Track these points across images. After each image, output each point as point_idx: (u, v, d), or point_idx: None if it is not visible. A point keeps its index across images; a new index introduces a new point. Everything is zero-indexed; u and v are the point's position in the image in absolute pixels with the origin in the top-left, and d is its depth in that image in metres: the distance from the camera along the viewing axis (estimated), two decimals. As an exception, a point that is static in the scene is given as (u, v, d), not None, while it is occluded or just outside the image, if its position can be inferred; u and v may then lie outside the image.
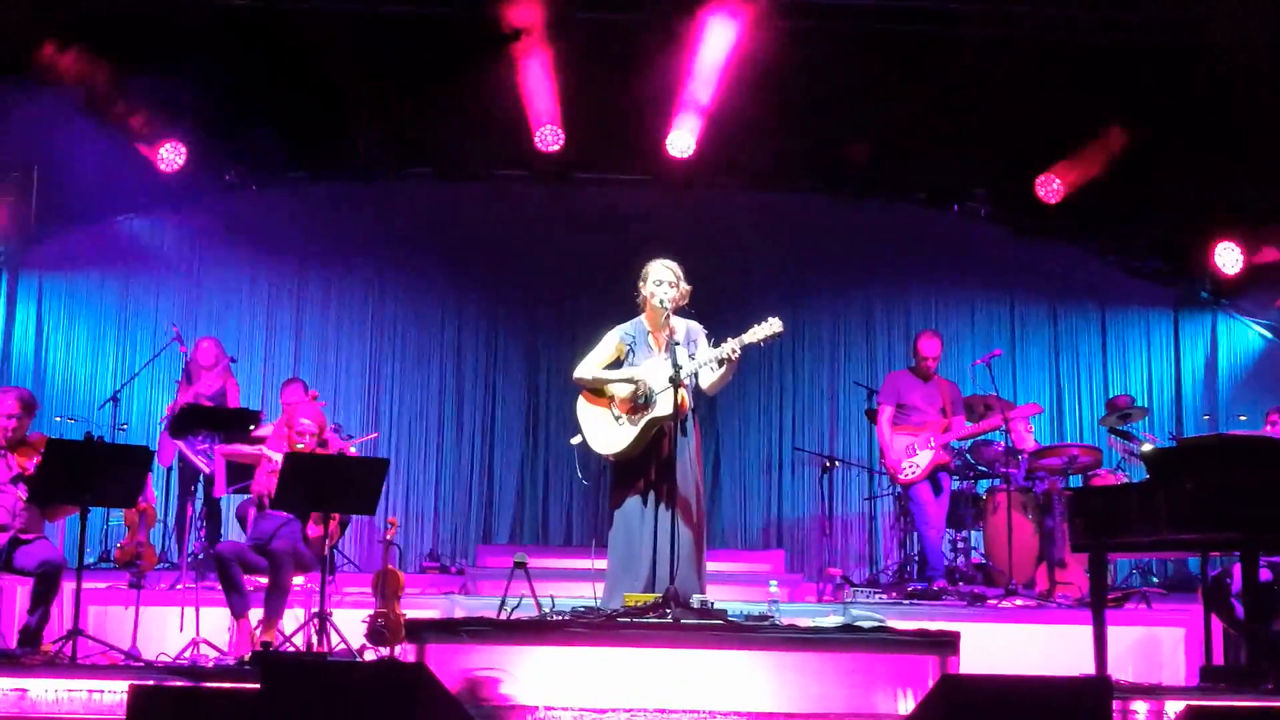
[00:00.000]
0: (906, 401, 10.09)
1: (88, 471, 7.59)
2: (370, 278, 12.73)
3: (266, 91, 11.11)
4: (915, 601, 9.41)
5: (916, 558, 10.26)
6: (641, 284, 7.84)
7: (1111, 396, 11.31)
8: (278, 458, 8.23)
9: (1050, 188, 12.08)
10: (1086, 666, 7.22)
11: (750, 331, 7.48)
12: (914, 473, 9.92)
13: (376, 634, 8.23)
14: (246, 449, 8.93)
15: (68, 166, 11.10)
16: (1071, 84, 11.02)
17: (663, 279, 7.74)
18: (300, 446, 8.35)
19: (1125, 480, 10.35)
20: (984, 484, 10.88)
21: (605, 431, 7.67)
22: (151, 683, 6.32)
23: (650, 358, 7.69)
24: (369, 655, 8.01)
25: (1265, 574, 7.50)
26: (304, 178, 12.69)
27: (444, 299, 12.81)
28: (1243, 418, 9.81)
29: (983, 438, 10.64)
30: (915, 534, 10.22)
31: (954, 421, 10.04)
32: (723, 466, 12.64)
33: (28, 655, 7.32)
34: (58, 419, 11.06)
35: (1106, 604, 7.49)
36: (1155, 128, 11.16)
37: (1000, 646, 8.21)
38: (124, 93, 10.97)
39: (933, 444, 9.90)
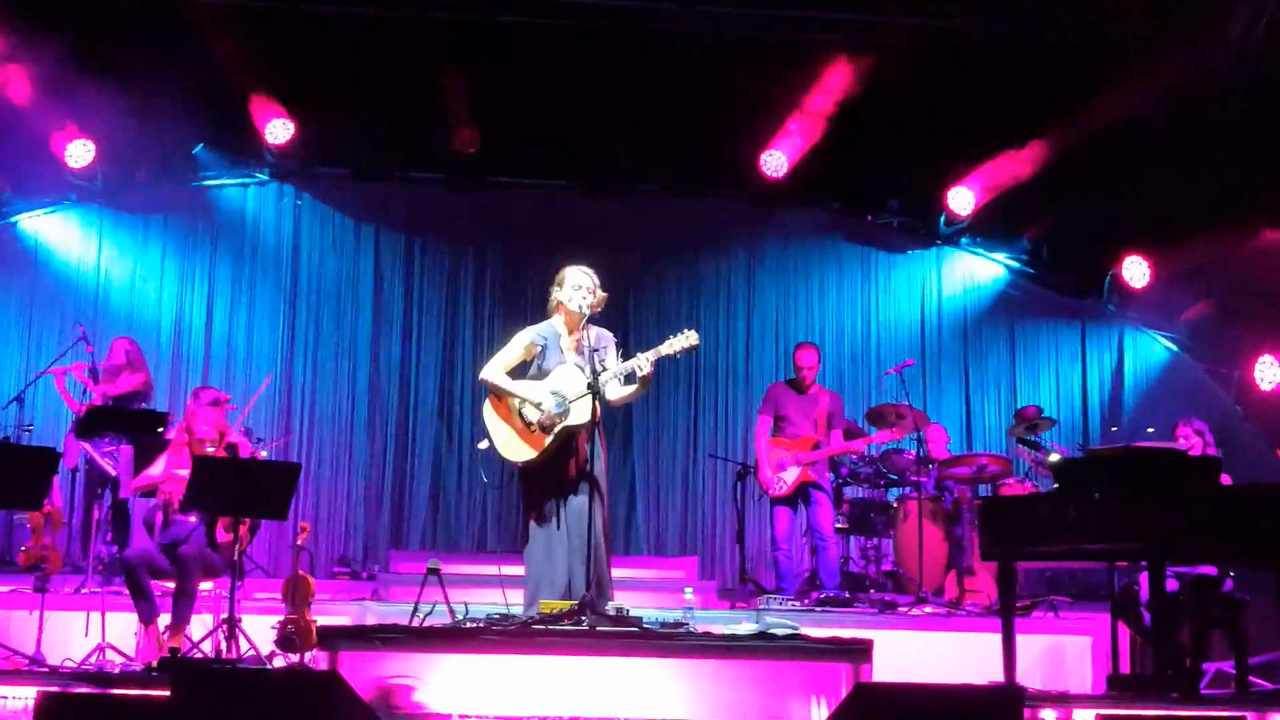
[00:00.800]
0: (783, 413, 10.13)
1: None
2: (281, 278, 12.58)
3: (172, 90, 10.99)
4: (827, 609, 9.46)
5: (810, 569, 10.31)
6: (556, 288, 7.81)
7: (1020, 407, 11.44)
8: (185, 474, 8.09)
9: (961, 199, 12.22)
10: (996, 673, 7.29)
11: (666, 343, 7.48)
12: (780, 488, 9.98)
13: (286, 640, 8.11)
14: (154, 478, 8.68)
15: None
16: (987, 95, 11.19)
17: (581, 284, 7.72)
18: (210, 451, 8.25)
19: (1034, 490, 10.49)
20: (894, 492, 10.98)
21: (514, 438, 7.63)
22: (58, 689, 6.24)
23: (561, 363, 7.67)
24: (278, 662, 7.91)
25: (1172, 584, 7.64)
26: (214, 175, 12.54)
27: (358, 299, 12.68)
28: (1150, 429, 9.93)
29: (892, 445, 10.74)
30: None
31: (832, 437, 10.11)
32: (636, 473, 12.63)
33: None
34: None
35: (1015, 612, 7.56)
36: (1062, 140, 11.34)
37: (911, 653, 8.26)
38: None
39: (800, 462, 9.96)
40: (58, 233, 12.29)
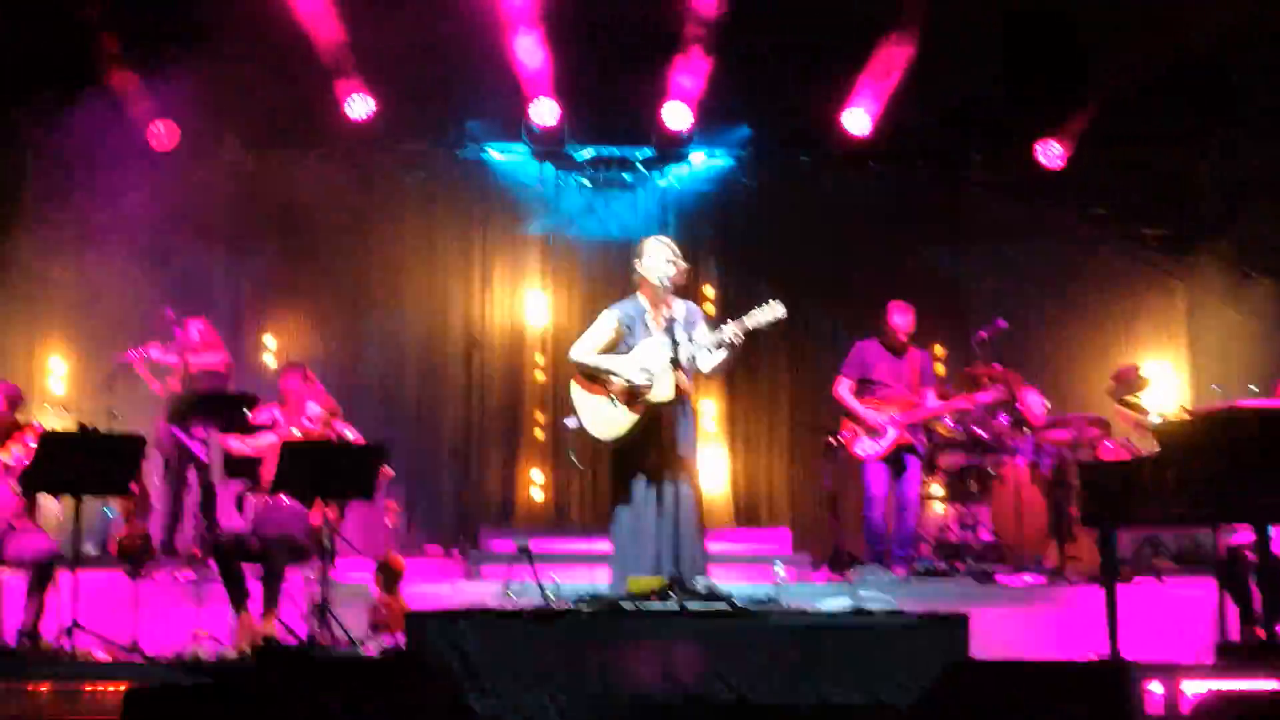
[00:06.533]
0: (873, 375, 9.90)
1: (80, 461, 7.51)
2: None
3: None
4: (923, 579, 9.30)
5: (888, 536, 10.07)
6: (637, 261, 7.72)
7: (1119, 367, 11.15)
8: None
9: (1050, 153, 11.93)
10: (1099, 644, 7.12)
11: (751, 314, 7.38)
12: (872, 450, 9.78)
13: (378, 623, 8.13)
14: (251, 444, 8.70)
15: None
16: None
17: (661, 256, 7.62)
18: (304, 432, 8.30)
19: (1133, 452, 10.23)
20: (990, 457, 10.73)
21: (602, 416, 7.57)
22: (151, 679, 6.29)
23: (648, 338, 7.56)
24: (371, 645, 7.89)
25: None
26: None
27: (449, 270, 12.68)
28: (1253, 387, 9.63)
29: (988, 409, 10.51)
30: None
31: (922, 397, 9.87)
32: (727, 444, 12.50)
33: (26, 651, 7.24)
34: (47, 406, 10.91)
35: (1118, 579, 7.37)
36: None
37: (1012, 625, 8.10)
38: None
39: (897, 424, 9.75)
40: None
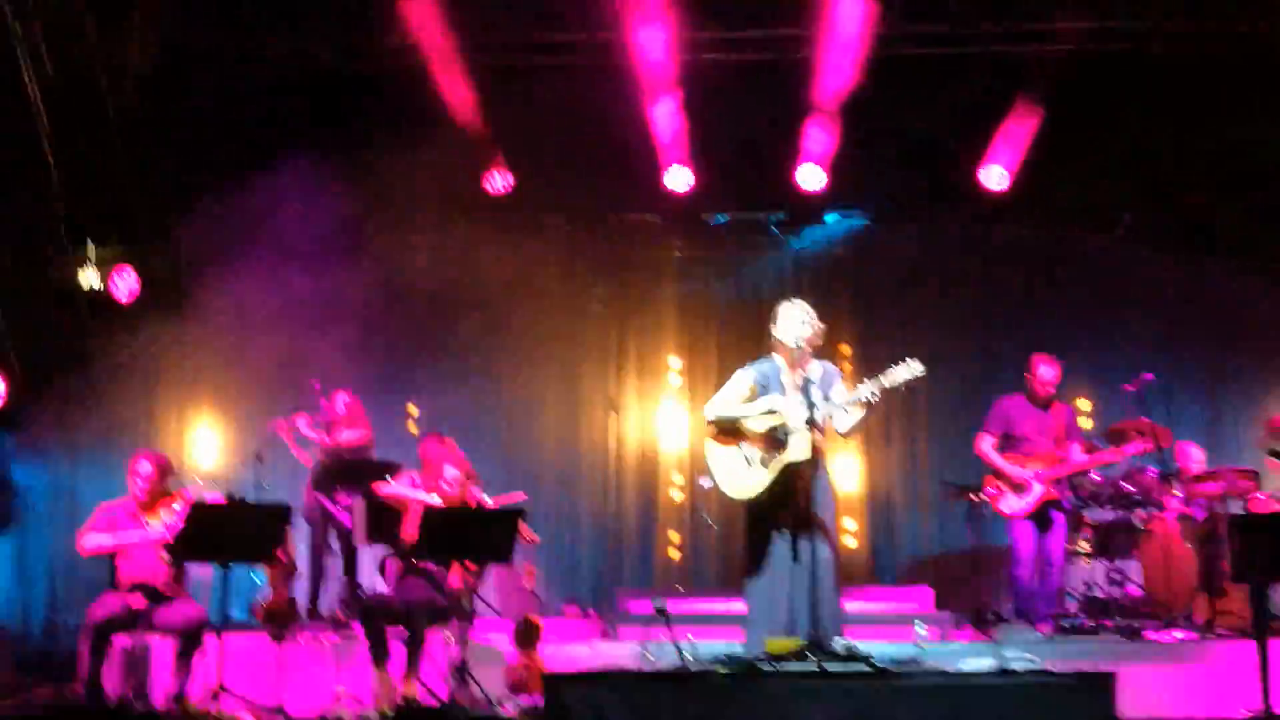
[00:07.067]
0: (1017, 431, 9.78)
1: (227, 530, 7.68)
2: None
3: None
4: (1069, 637, 9.10)
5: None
6: (772, 325, 7.73)
7: (1268, 417, 10.85)
8: (432, 498, 8.28)
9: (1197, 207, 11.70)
10: (1252, 701, 6.90)
11: (888, 373, 7.33)
12: (1017, 507, 9.61)
13: (517, 684, 8.16)
14: (398, 489, 8.81)
15: None
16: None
17: (796, 319, 7.61)
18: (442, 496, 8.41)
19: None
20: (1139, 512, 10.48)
21: (737, 474, 7.55)
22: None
23: (783, 398, 7.55)
24: (509, 705, 7.93)
25: None
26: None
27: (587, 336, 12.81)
28: None
29: (1136, 463, 10.28)
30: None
31: (1067, 451, 9.70)
32: (868, 501, 12.41)
33: (175, 715, 7.40)
34: (198, 479, 11.17)
35: (1271, 634, 7.15)
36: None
37: (1161, 682, 7.88)
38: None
39: (1043, 479, 9.57)
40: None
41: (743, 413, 7.60)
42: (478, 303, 12.36)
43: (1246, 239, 11.88)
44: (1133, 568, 10.24)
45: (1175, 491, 10.13)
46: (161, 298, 11.54)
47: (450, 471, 8.65)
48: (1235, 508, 9.98)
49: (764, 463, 7.46)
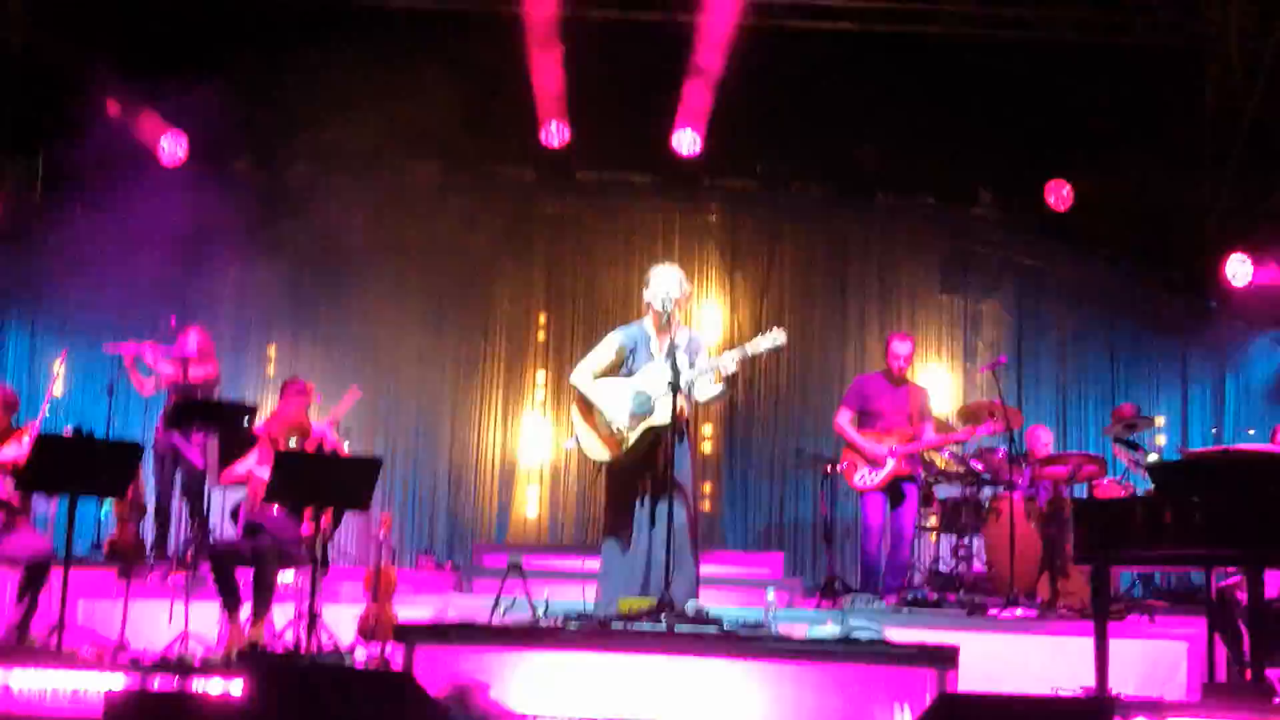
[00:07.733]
0: (872, 408, 9.91)
1: (75, 464, 7.51)
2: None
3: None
4: (915, 610, 9.28)
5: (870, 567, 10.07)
6: (645, 288, 7.77)
7: (1117, 405, 11.15)
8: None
9: (1059, 194, 11.94)
10: (1088, 679, 7.09)
11: (752, 342, 7.44)
12: (870, 481, 9.80)
13: (367, 633, 8.12)
14: (239, 476, 8.68)
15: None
16: (1084, 89, 10.96)
17: (666, 282, 7.65)
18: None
19: (1130, 491, 10.22)
20: (987, 490, 10.73)
21: (598, 439, 7.61)
22: (136, 678, 6.31)
23: (650, 362, 7.60)
24: (359, 653, 7.89)
25: (1274, 590, 7.37)
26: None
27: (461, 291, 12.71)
28: (1250, 431, 9.66)
29: (987, 443, 10.52)
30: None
31: (920, 429, 9.90)
32: (723, 467, 12.53)
33: (13, 647, 7.25)
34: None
35: (1109, 616, 7.36)
36: (1166, 138, 11.06)
37: (1000, 658, 8.06)
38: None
39: (896, 455, 9.76)
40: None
41: (596, 402, 7.64)
42: (349, 249, 12.19)
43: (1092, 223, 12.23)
44: (979, 545, 10.50)
45: (1023, 471, 10.37)
46: (20, 218, 11.27)
47: (308, 420, 8.48)
48: (1081, 491, 10.26)
49: (627, 426, 7.51)
